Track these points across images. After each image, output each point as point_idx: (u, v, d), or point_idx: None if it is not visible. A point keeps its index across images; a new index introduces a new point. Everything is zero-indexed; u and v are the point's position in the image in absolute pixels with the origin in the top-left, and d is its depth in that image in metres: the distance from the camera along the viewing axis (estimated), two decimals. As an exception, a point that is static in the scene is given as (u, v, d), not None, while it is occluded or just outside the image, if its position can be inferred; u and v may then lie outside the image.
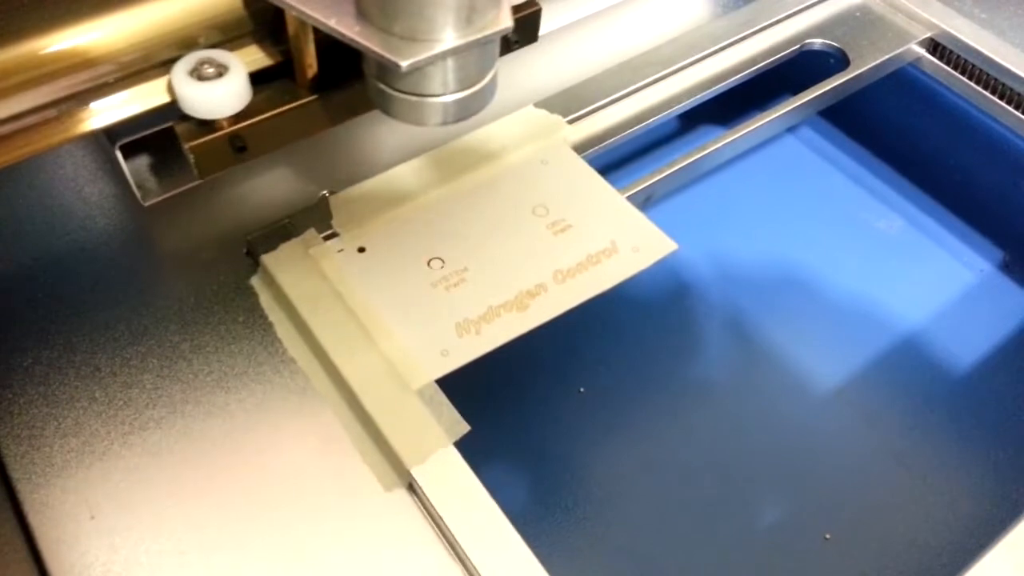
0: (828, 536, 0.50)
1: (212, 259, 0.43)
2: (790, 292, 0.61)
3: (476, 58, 0.34)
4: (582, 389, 0.55)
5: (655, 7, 0.57)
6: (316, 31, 0.35)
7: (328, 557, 0.34)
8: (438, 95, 0.34)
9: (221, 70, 0.35)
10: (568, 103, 0.50)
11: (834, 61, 0.56)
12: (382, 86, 0.35)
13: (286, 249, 0.42)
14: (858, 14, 0.58)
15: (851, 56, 0.55)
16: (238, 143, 0.37)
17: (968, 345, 0.59)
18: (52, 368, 0.39)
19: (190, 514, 0.35)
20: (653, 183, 0.48)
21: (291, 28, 0.36)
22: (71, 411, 0.37)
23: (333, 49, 0.36)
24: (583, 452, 0.53)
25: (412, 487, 0.36)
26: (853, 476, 0.53)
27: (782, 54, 0.55)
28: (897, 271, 0.63)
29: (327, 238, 0.43)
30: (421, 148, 0.47)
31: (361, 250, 0.43)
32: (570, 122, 0.49)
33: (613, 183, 0.46)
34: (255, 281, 0.42)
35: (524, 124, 0.48)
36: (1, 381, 0.38)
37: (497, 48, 0.35)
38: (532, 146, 0.47)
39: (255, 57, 0.37)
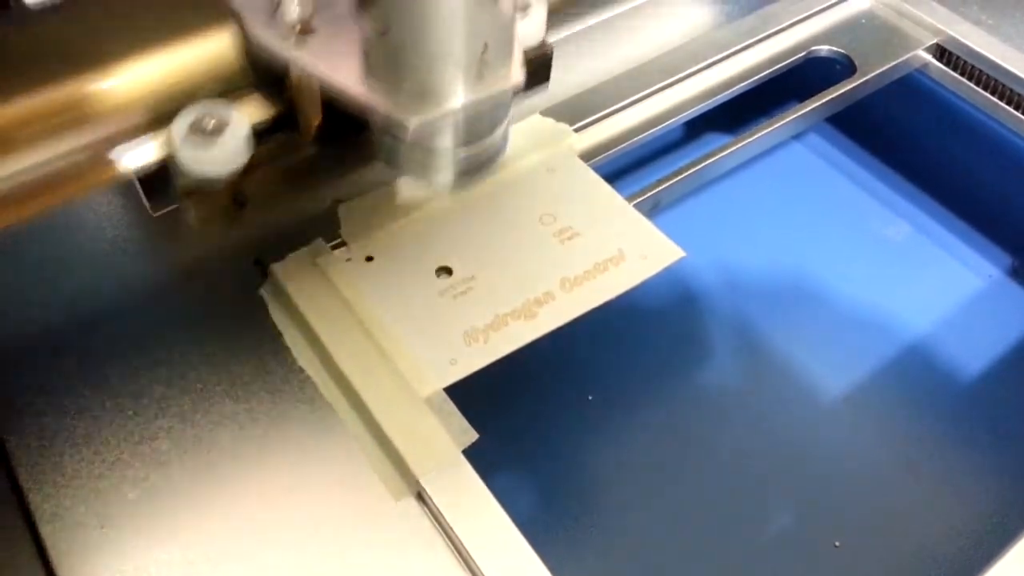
0: (838, 544, 0.50)
1: (221, 269, 0.43)
2: (798, 298, 0.61)
3: (487, 113, 0.33)
4: (591, 397, 0.55)
5: (661, 15, 0.57)
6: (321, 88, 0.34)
7: (337, 566, 0.34)
8: (445, 160, 0.33)
9: (221, 126, 0.33)
10: (575, 111, 0.50)
11: (840, 68, 0.56)
12: (390, 141, 0.33)
13: (294, 259, 0.42)
14: (864, 21, 0.58)
15: (858, 63, 0.55)
16: (240, 199, 0.36)
17: (978, 351, 0.58)
18: (62, 379, 0.39)
19: (199, 524, 0.35)
20: (660, 190, 0.48)
21: (293, 80, 0.35)
22: (81, 421, 0.37)
23: (337, 100, 0.34)
24: (592, 460, 0.53)
25: (421, 496, 0.36)
26: (863, 483, 0.52)
27: (788, 61, 0.55)
28: (905, 278, 0.63)
29: (335, 247, 0.43)
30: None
31: (369, 259, 0.43)
32: (577, 130, 0.49)
33: (620, 191, 0.46)
34: (264, 291, 0.42)
35: (531, 132, 0.48)
36: (11, 391, 0.38)
37: (509, 100, 0.34)
38: (539, 154, 0.48)
39: (256, 109, 0.36)
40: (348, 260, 0.43)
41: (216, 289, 0.42)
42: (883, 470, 0.53)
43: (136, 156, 0.38)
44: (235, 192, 0.36)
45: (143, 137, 0.34)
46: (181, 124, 0.33)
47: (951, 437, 0.54)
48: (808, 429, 0.55)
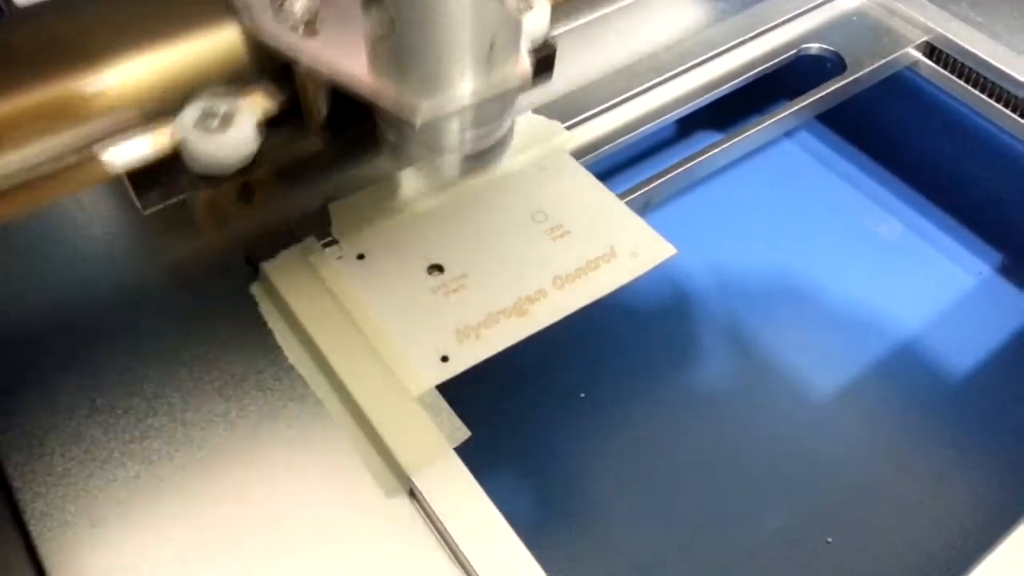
0: (829, 540, 0.50)
1: (212, 267, 0.43)
2: (789, 296, 0.61)
3: (493, 110, 0.33)
4: (583, 394, 0.55)
5: (652, 13, 0.57)
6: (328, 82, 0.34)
7: (329, 563, 0.34)
8: (452, 149, 0.33)
9: (229, 117, 0.33)
10: (566, 109, 0.50)
11: (831, 66, 0.56)
12: (396, 134, 0.34)
13: (286, 256, 0.42)
14: (854, 18, 0.58)
15: (848, 60, 0.55)
16: (247, 191, 0.36)
17: (968, 348, 0.58)
18: (52, 376, 0.39)
19: (191, 523, 0.35)
20: (651, 188, 0.48)
21: (300, 73, 0.35)
22: (72, 419, 0.37)
23: (343, 92, 0.34)
24: (585, 457, 0.53)
25: (413, 493, 0.36)
26: (854, 480, 0.53)
27: (779, 59, 0.55)
28: (896, 275, 0.63)
29: (326, 245, 0.43)
30: (420, 155, 0.47)
31: (360, 257, 0.43)
32: (568, 128, 0.49)
33: (612, 188, 0.46)
34: (255, 289, 0.42)
35: (522, 130, 0.48)
36: (1, 389, 0.38)
37: (516, 92, 0.34)
38: (530, 152, 0.48)
39: (262, 102, 0.35)
40: (339, 258, 0.42)
41: (207, 287, 0.42)
42: (874, 467, 0.53)
43: (126, 153, 0.38)
44: (242, 184, 0.35)
45: (132, 131, 0.34)
46: (189, 114, 0.33)
47: (942, 434, 0.55)
48: (799, 426, 0.55)
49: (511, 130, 0.35)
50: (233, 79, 0.34)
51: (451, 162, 0.34)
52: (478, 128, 0.33)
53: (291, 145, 0.36)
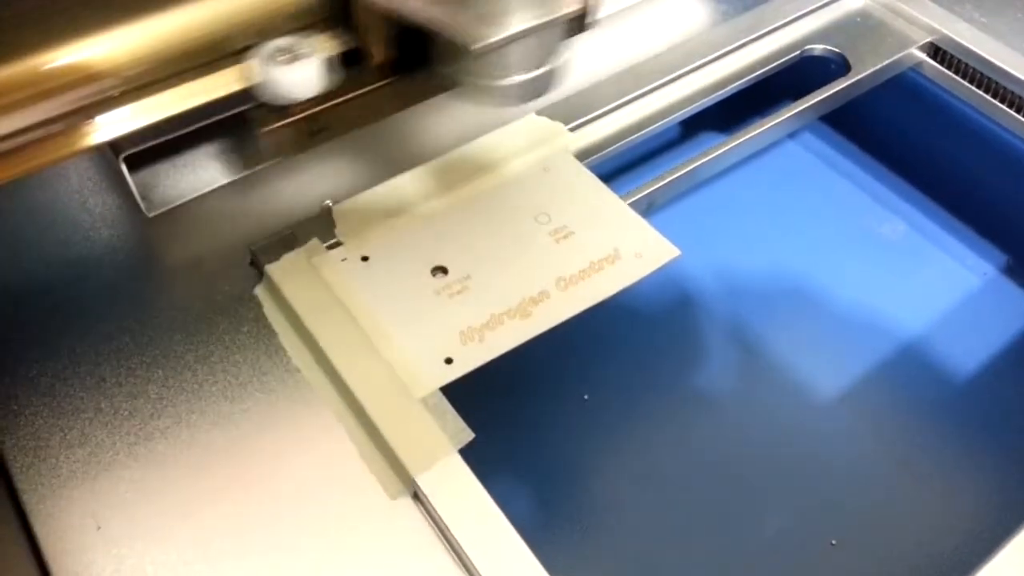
0: (834, 542, 0.50)
1: (216, 269, 0.43)
2: (793, 297, 0.61)
3: (545, 40, 0.35)
4: (586, 396, 0.55)
5: (656, 14, 0.57)
6: (386, 17, 0.36)
7: (333, 565, 0.34)
8: (509, 77, 0.35)
9: (298, 56, 0.36)
10: (569, 111, 0.50)
11: (835, 67, 0.56)
12: (453, 69, 0.36)
13: (290, 259, 0.42)
14: (858, 19, 0.58)
15: (852, 61, 0.55)
16: (314, 127, 0.39)
17: (973, 349, 0.58)
18: (57, 379, 0.39)
19: (196, 524, 0.35)
20: (655, 189, 0.48)
21: (361, 15, 0.37)
22: (77, 422, 0.37)
23: (403, 35, 0.37)
24: (588, 459, 0.53)
25: (417, 495, 0.36)
26: (859, 482, 0.53)
27: (783, 60, 0.55)
28: (901, 276, 0.63)
29: (330, 247, 0.43)
30: (424, 157, 0.47)
31: (364, 259, 0.43)
32: (572, 129, 0.49)
33: (615, 190, 0.46)
34: (259, 291, 0.42)
35: (526, 132, 0.48)
36: (7, 392, 0.38)
37: (562, 31, 0.36)
38: (534, 154, 0.48)
39: (327, 44, 0.38)
40: (343, 260, 0.43)
41: (211, 289, 0.42)
42: (878, 468, 0.53)
43: (132, 154, 0.38)
44: (310, 121, 0.38)
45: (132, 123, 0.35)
46: (264, 52, 0.36)
47: (946, 435, 0.55)
48: (803, 427, 0.55)
49: (557, 66, 0.37)
50: (300, 23, 0.37)
51: (504, 90, 0.36)
52: (532, 56, 0.35)
53: (352, 84, 0.39)
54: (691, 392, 0.56)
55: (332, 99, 0.38)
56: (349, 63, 0.39)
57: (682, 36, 0.55)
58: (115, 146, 0.42)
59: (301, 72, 0.36)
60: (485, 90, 0.36)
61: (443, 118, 0.50)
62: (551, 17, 0.33)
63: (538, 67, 0.36)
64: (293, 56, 0.36)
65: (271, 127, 0.38)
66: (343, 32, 0.38)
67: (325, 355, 0.39)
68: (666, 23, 0.56)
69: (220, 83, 0.37)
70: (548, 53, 0.36)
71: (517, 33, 0.32)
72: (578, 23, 0.40)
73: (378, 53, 0.38)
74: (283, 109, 0.38)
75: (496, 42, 0.32)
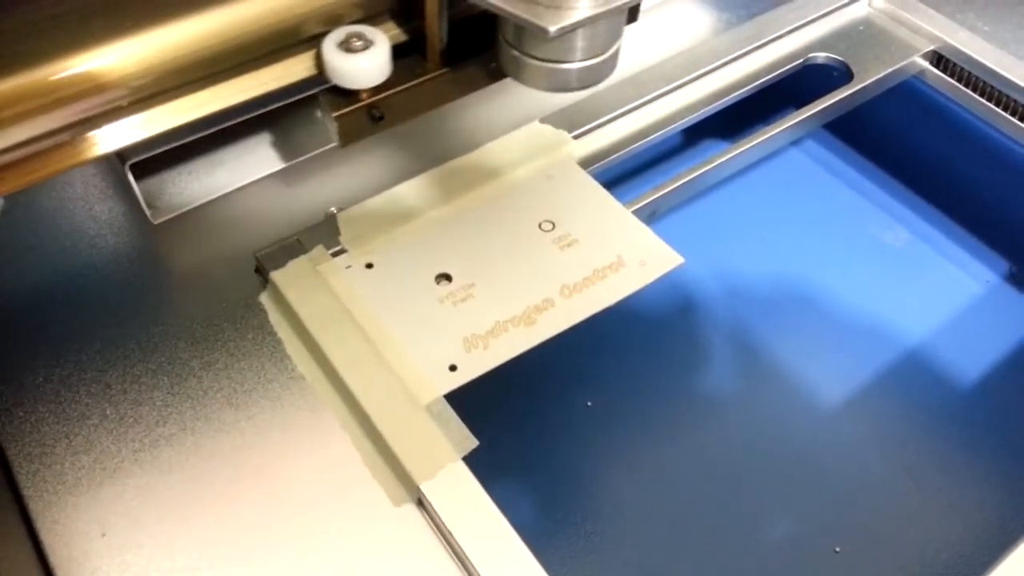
0: (838, 549, 0.50)
1: (221, 277, 0.43)
2: (796, 305, 0.61)
3: (609, 25, 0.37)
4: (590, 403, 0.55)
5: (659, 23, 0.57)
6: (450, 7, 0.39)
7: (338, 572, 0.34)
8: (574, 61, 0.38)
9: (367, 44, 0.38)
10: (573, 118, 0.50)
11: (838, 75, 0.56)
12: (518, 54, 0.38)
13: (295, 266, 0.42)
14: (861, 28, 0.58)
15: (855, 69, 0.55)
16: (376, 113, 0.41)
17: (976, 356, 0.58)
18: (63, 386, 0.39)
19: (201, 531, 0.35)
20: (658, 197, 0.48)
21: (429, 5, 0.39)
22: (82, 429, 0.37)
23: (461, 25, 0.40)
24: (591, 466, 0.53)
25: (421, 502, 0.36)
26: (863, 489, 0.53)
27: (786, 68, 0.55)
28: (903, 283, 0.63)
29: (335, 255, 0.43)
30: (428, 165, 0.47)
31: (369, 266, 0.43)
32: (575, 137, 0.49)
33: (619, 197, 0.46)
34: (264, 298, 0.42)
35: (530, 140, 0.49)
36: (13, 399, 0.38)
37: (624, 17, 0.39)
38: (538, 162, 0.48)
39: (394, 31, 0.40)
40: (348, 267, 0.43)
41: (217, 297, 0.42)
42: (882, 475, 0.53)
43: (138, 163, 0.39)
44: (371, 107, 0.40)
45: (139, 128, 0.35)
46: (333, 39, 0.38)
47: (950, 442, 0.55)
48: (807, 435, 0.55)
49: (617, 54, 0.39)
50: (365, 13, 0.40)
51: (568, 74, 0.39)
52: (596, 41, 0.38)
53: (414, 72, 0.41)
54: (695, 399, 0.56)
55: (391, 88, 0.40)
56: (401, 54, 0.41)
57: (685, 44, 0.55)
58: (121, 154, 0.43)
59: (373, 59, 0.38)
60: (549, 73, 0.38)
61: (447, 126, 0.50)
62: (616, 4, 0.35)
63: (601, 53, 0.38)
64: (366, 43, 0.38)
65: (341, 111, 0.40)
66: (403, 22, 0.41)
67: (330, 362, 0.39)
68: (670, 31, 0.56)
69: (289, 71, 0.39)
70: (611, 39, 0.38)
71: (588, 18, 0.35)
72: (632, 13, 0.43)
73: (440, 42, 0.40)
74: (352, 94, 0.40)
75: (571, 25, 0.34)
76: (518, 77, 0.40)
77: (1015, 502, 0.52)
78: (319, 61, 0.39)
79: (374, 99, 0.40)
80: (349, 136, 0.41)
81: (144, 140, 0.36)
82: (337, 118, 0.40)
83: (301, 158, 0.48)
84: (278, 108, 0.46)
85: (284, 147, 0.48)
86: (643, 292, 0.43)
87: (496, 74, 0.42)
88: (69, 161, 0.34)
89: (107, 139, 0.35)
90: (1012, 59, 0.54)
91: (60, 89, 0.33)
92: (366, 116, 0.41)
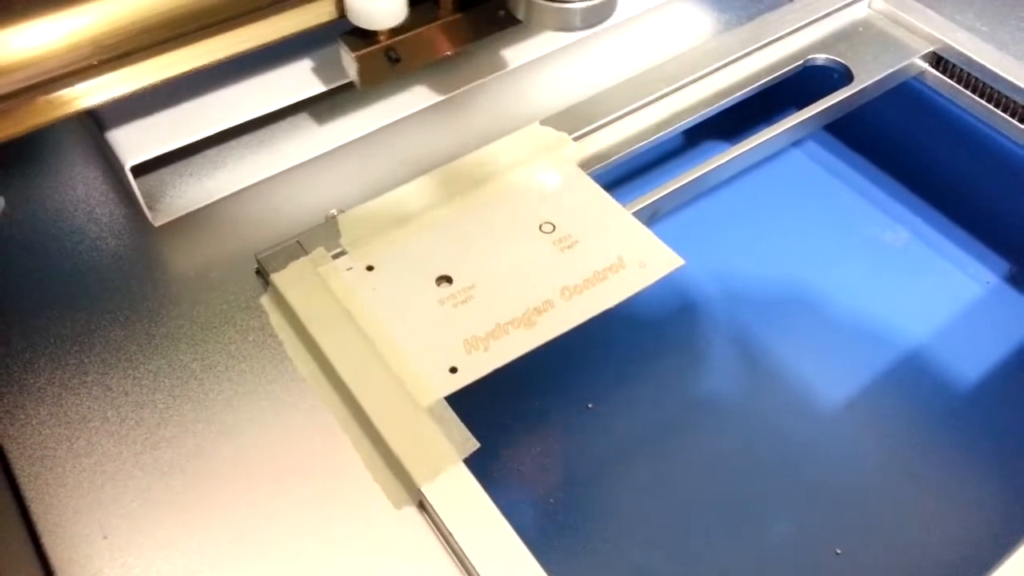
0: (839, 551, 0.50)
1: (222, 278, 0.43)
2: (797, 306, 0.61)
3: None
4: (590, 405, 0.55)
5: (659, 24, 0.57)
6: None
7: (339, 575, 0.34)
8: (578, 0, 0.42)
9: None
10: (573, 120, 0.50)
11: (838, 76, 0.56)
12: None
13: (295, 268, 0.42)
14: (861, 29, 0.58)
15: (855, 71, 0.55)
16: (393, 55, 0.43)
17: (977, 357, 0.58)
18: (64, 388, 0.39)
19: (202, 533, 0.35)
20: (659, 199, 0.48)
21: None
22: (83, 431, 0.37)
23: None
24: (593, 468, 0.53)
25: (422, 504, 0.36)
26: (863, 491, 0.53)
27: (786, 70, 0.55)
28: (903, 284, 0.63)
29: (336, 257, 0.43)
30: (428, 166, 0.47)
31: (370, 268, 0.43)
32: (575, 139, 0.49)
33: (619, 199, 0.46)
34: (265, 300, 0.42)
35: (530, 141, 0.49)
36: (14, 402, 0.38)
37: None
38: (538, 163, 0.48)
39: None
40: (349, 269, 0.43)
41: (218, 299, 0.42)
42: (883, 477, 0.53)
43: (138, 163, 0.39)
44: (388, 49, 0.43)
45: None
46: None
47: (951, 443, 0.55)
48: (808, 436, 0.55)
49: None
50: None
51: (574, 13, 0.43)
52: None
53: (428, 17, 0.44)
54: (696, 401, 0.56)
55: (407, 31, 0.43)
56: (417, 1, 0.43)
57: (686, 46, 0.55)
58: (122, 155, 0.43)
59: (387, 4, 0.41)
60: (555, 14, 0.42)
61: (448, 127, 0.50)
62: None
63: None
64: None
65: (361, 51, 0.42)
66: None
67: (330, 364, 0.39)
68: (670, 33, 0.56)
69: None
70: None
71: None
72: None
73: None
74: (370, 36, 0.43)
75: None
76: (525, 19, 0.44)
77: (1016, 503, 0.52)
78: (339, 5, 0.42)
79: (391, 41, 0.43)
80: (368, 78, 0.44)
81: (185, 71, 0.39)
82: (358, 58, 0.43)
83: (302, 160, 0.48)
84: (278, 110, 0.46)
85: (285, 149, 0.48)
86: (644, 294, 0.43)
87: (506, 20, 0.46)
88: (62, 110, 0.36)
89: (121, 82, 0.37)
90: (1011, 60, 0.54)
91: (51, 41, 0.35)
92: (384, 57, 0.43)
